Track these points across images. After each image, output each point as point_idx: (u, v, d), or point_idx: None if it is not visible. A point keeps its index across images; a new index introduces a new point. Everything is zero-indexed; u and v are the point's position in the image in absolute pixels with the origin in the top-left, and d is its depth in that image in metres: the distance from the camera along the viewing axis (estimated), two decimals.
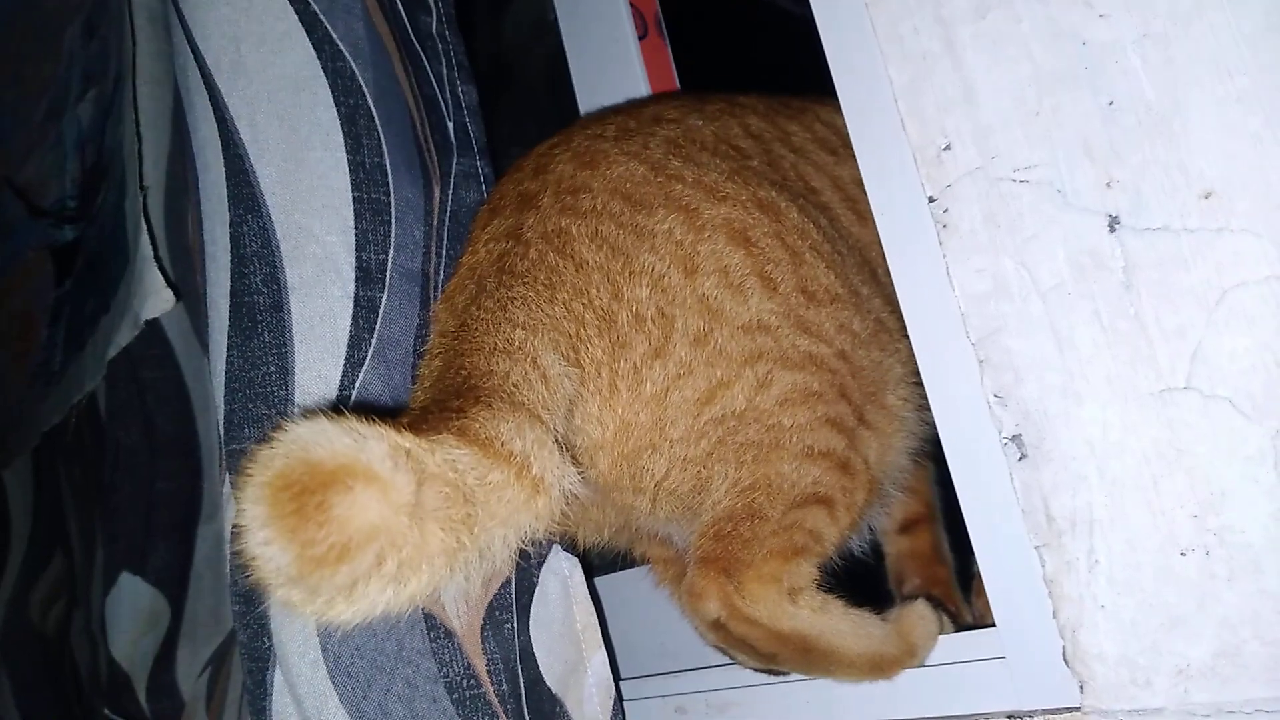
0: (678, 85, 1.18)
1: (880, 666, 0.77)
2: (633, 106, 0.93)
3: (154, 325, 1.26)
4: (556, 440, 0.66)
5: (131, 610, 1.38)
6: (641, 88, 1.13)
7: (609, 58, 1.16)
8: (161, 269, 1.07)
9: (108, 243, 1.32)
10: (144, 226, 1.10)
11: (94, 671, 1.49)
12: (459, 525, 0.59)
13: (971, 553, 1.02)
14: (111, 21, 1.41)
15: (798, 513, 0.77)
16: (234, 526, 0.56)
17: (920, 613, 0.79)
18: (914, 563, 1.02)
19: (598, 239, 0.77)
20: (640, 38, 1.16)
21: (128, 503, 1.38)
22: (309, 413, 0.57)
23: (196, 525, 1.38)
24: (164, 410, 1.37)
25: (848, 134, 0.79)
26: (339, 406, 0.60)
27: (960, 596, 1.01)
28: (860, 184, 0.79)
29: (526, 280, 0.76)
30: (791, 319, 0.77)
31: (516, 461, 0.62)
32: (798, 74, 0.98)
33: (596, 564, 1.00)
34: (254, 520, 0.54)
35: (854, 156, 0.80)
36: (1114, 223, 0.64)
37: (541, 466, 0.63)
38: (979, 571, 1.00)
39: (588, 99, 1.19)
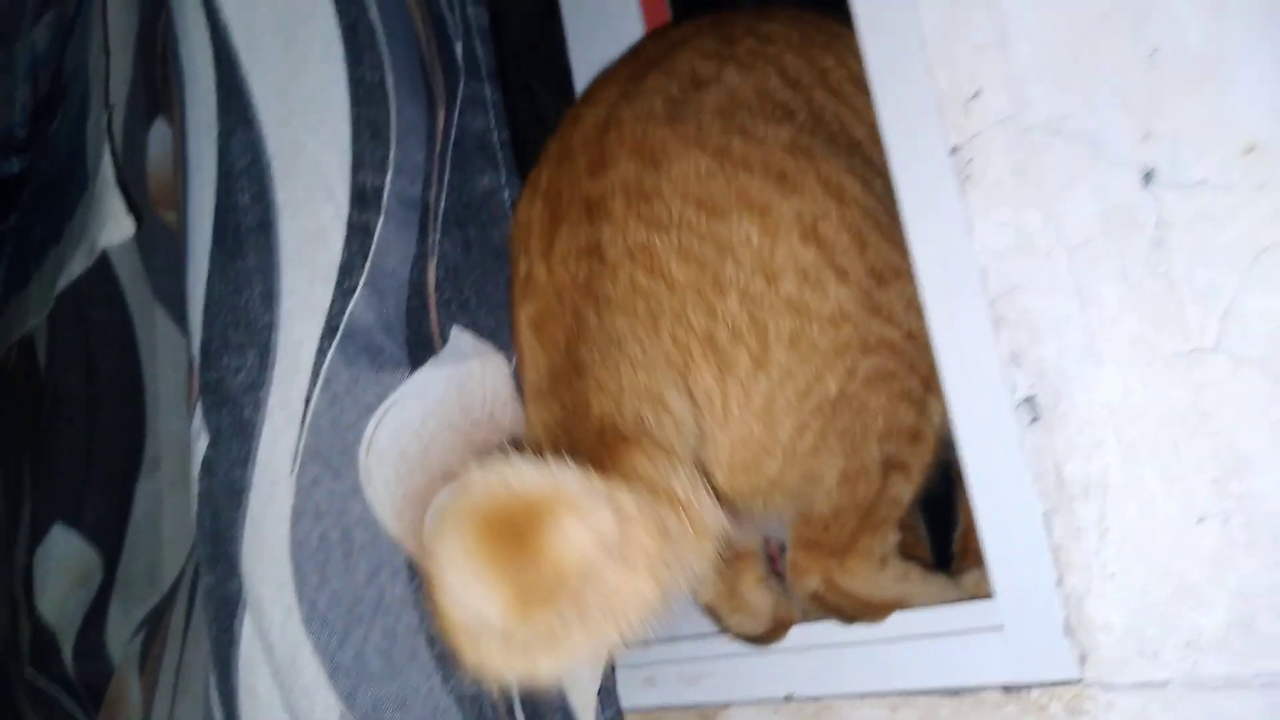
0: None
1: None
2: (658, 49, 0.88)
3: (104, 263, 1.19)
4: (703, 481, 0.66)
5: (62, 565, 1.30)
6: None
7: None
8: (125, 194, 1.00)
9: (62, 170, 1.24)
10: (107, 148, 1.03)
11: (14, 634, 1.40)
12: (659, 566, 0.58)
13: (945, 537, 1.02)
14: None
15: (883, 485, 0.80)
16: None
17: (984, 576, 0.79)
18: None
19: (682, 254, 0.76)
20: None
21: (65, 450, 1.30)
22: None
23: (137, 479, 1.30)
24: (108, 354, 1.29)
25: None
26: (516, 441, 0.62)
27: None
28: None
29: (625, 310, 0.75)
30: (865, 304, 0.78)
31: (681, 505, 0.62)
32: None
33: None
34: (456, 556, 0.53)
35: None
36: (1149, 177, 0.62)
37: (701, 509, 0.63)
38: (958, 551, 0.99)
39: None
